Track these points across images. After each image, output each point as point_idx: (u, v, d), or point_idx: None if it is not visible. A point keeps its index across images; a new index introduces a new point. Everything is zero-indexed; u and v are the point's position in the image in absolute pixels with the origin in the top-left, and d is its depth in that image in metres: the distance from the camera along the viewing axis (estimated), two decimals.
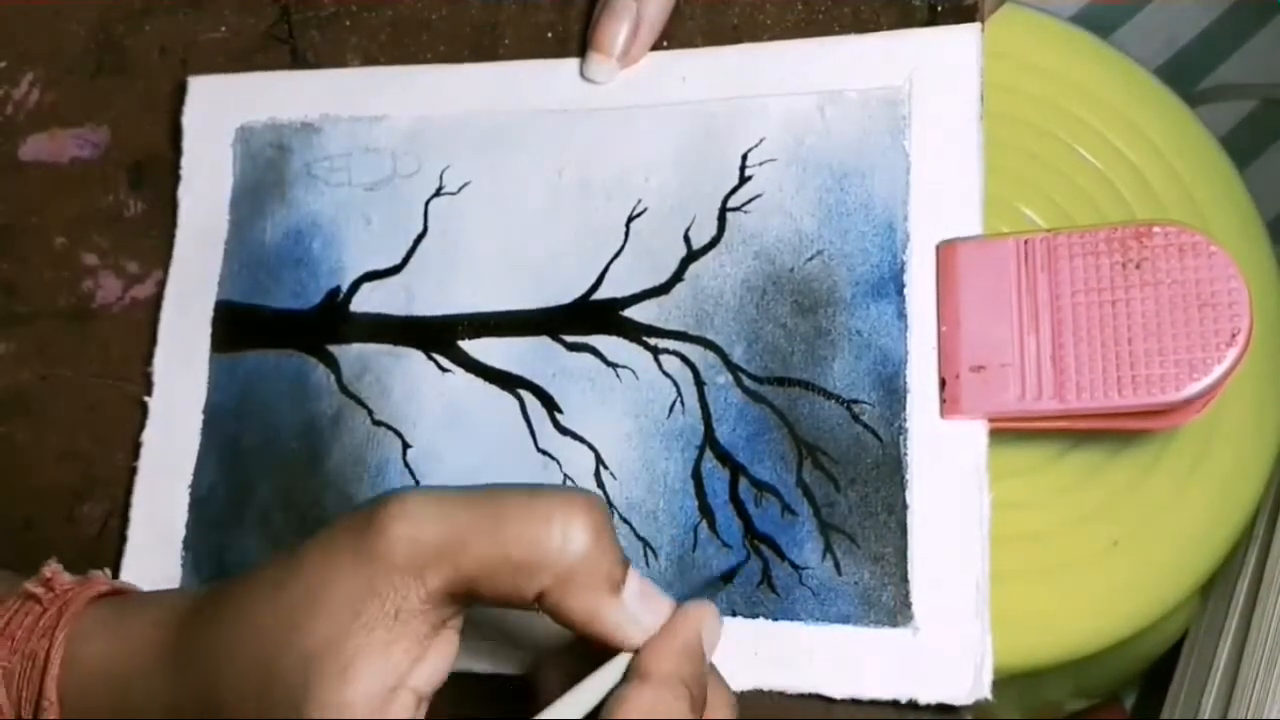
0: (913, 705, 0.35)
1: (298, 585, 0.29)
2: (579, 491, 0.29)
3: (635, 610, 0.29)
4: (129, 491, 0.43)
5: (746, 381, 0.39)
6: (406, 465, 0.41)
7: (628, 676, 0.29)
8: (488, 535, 0.28)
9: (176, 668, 0.31)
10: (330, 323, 0.43)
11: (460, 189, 0.43)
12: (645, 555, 0.38)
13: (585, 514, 0.28)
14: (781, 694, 0.36)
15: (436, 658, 0.29)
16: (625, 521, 0.39)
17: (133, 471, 0.43)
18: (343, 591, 0.28)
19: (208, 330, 0.44)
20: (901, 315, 0.38)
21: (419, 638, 0.29)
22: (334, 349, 0.43)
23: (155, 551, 0.42)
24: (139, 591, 0.35)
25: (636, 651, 0.29)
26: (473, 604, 0.29)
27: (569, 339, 0.41)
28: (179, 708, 0.30)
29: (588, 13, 0.44)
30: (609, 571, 0.29)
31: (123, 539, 0.42)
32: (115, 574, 0.42)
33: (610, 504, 0.39)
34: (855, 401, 0.38)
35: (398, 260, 0.43)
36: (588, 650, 0.30)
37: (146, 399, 0.44)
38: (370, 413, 0.42)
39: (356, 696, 0.28)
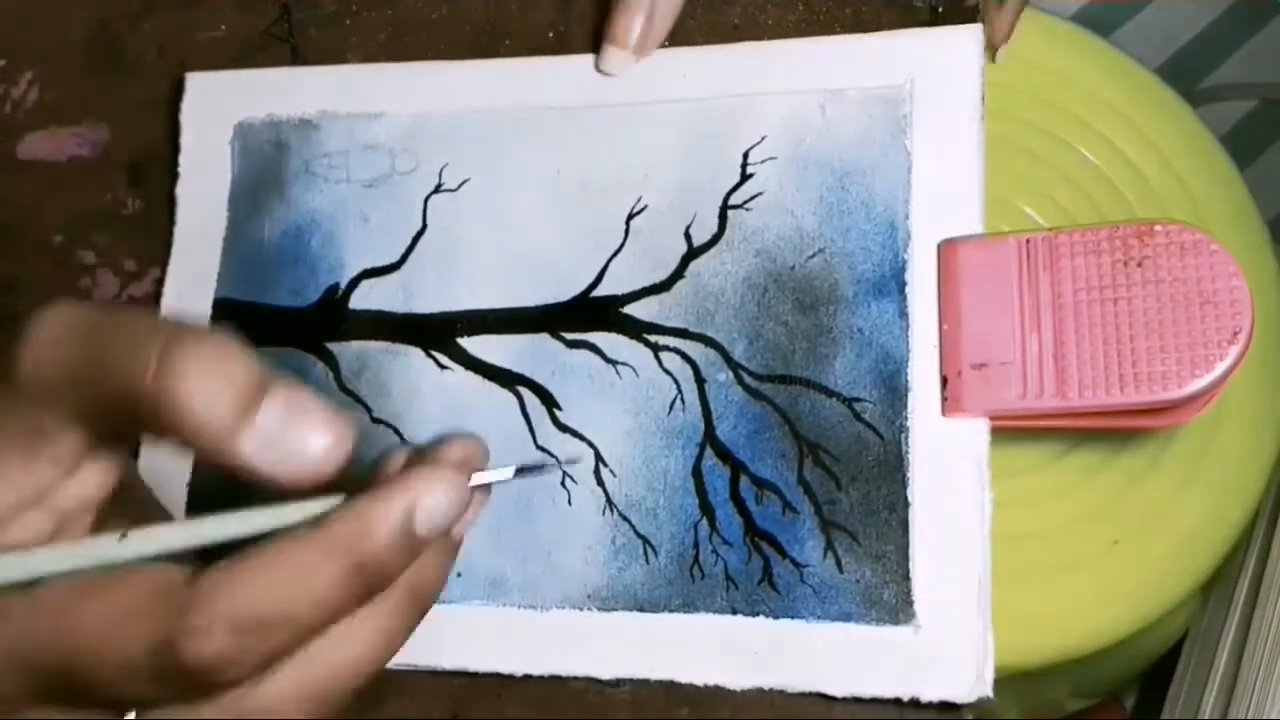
0: (914, 703, 0.35)
1: None
2: (192, 325, 0.25)
3: (276, 443, 0.24)
4: None
5: (747, 379, 0.39)
6: None
7: (311, 524, 0.25)
8: (103, 359, 0.24)
9: None
10: (329, 320, 0.43)
11: (459, 186, 0.43)
12: (645, 553, 0.38)
13: (200, 347, 0.24)
14: (783, 692, 0.36)
15: (86, 481, 0.26)
16: (625, 519, 0.38)
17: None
18: None
19: (205, 327, 0.44)
20: (903, 313, 0.38)
21: (61, 460, 0.26)
22: (332, 346, 0.43)
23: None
24: None
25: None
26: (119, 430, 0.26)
27: (568, 336, 0.41)
28: None
29: (589, 12, 0.44)
30: (230, 407, 0.24)
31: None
32: None
33: (610, 501, 0.39)
34: (856, 399, 0.38)
35: (396, 257, 0.43)
36: None
37: None
38: (369, 410, 0.42)
39: None
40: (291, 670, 0.25)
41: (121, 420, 0.25)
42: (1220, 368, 0.34)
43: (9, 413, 0.25)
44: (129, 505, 0.29)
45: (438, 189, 0.43)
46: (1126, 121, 0.55)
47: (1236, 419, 0.51)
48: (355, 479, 0.26)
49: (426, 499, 0.25)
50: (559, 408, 0.40)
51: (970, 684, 0.34)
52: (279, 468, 0.25)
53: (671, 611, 0.37)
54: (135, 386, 0.24)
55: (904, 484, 0.36)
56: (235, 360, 0.24)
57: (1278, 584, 0.50)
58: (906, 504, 0.36)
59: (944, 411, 0.37)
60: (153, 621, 0.24)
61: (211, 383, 0.24)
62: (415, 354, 0.42)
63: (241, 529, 0.26)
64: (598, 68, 0.42)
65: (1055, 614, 0.49)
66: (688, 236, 0.40)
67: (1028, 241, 0.37)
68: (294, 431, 0.25)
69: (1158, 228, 0.35)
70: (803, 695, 0.36)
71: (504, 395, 0.41)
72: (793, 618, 0.36)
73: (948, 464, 0.36)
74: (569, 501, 0.39)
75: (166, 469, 0.43)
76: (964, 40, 0.40)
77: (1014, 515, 0.49)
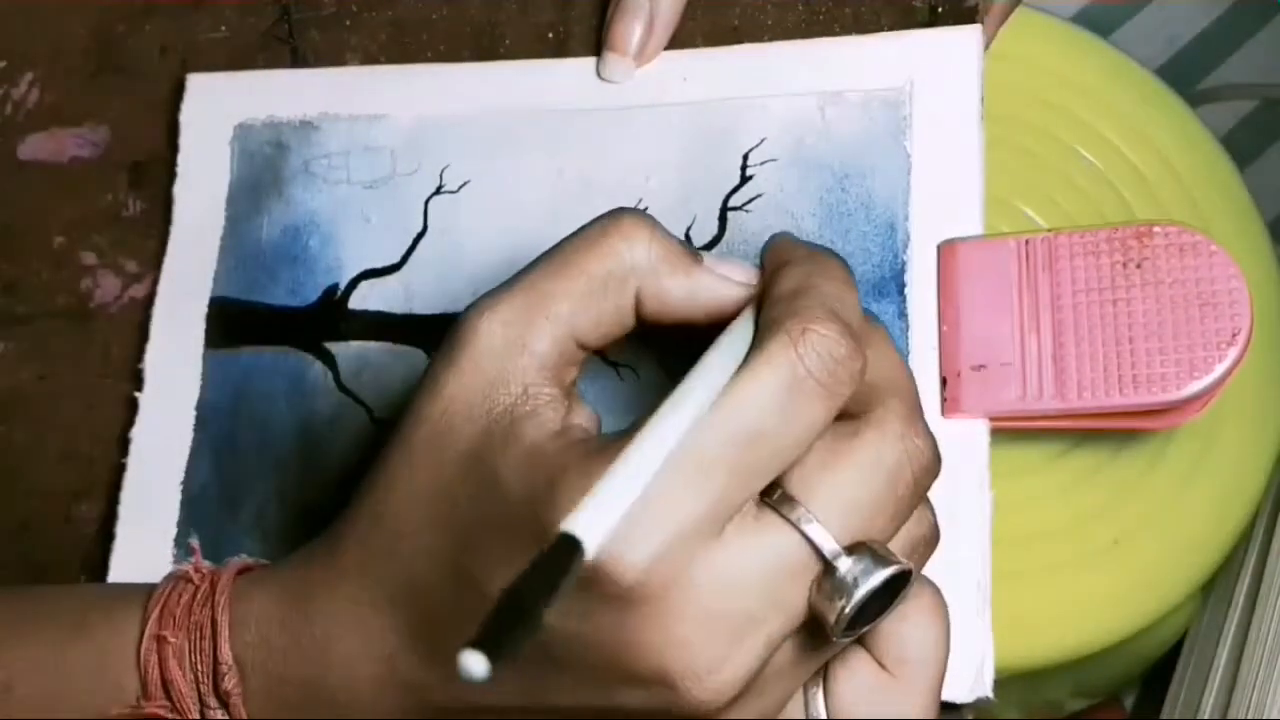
0: None
1: (424, 435, 0.29)
2: (616, 210, 0.30)
3: (723, 270, 0.30)
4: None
5: None
6: None
7: (760, 323, 0.28)
8: (564, 276, 0.29)
9: (350, 576, 0.30)
10: (328, 320, 0.43)
11: (460, 188, 0.43)
12: None
13: (633, 216, 0.30)
14: None
15: (581, 411, 0.30)
16: None
17: (123, 468, 0.43)
18: (467, 406, 0.28)
19: (202, 326, 0.44)
20: (902, 314, 0.38)
21: (555, 398, 0.29)
22: (332, 347, 0.43)
23: (145, 549, 0.42)
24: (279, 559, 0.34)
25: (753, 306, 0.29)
26: (586, 356, 0.30)
27: None
28: (366, 613, 0.30)
29: (589, 13, 0.44)
30: (681, 248, 0.30)
31: (111, 536, 0.42)
32: (104, 572, 0.41)
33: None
34: None
35: (397, 259, 0.43)
36: None
37: (137, 395, 0.43)
38: (370, 411, 0.42)
39: (532, 440, 0.27)
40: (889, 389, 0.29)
41: (602, 323, 0.30)
42: (1219, 369, 0.34)
43: (498, 382, 0.28)
44: None
45: (439, 191, 0.43)
46: (1126, 122, 0.55)
47: (1236, 419, 0.51)
48: None
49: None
50: None
51: (969, 684, 0.34)
52: (738, 289, 0.30)
53: None
54: (620, 268, 0.29)
55: None
56: (670, 239, 0.30)
57: (1278, 584, 0.50)
58: None
59: (943, 412, 0.37)
60: (773, 357, 0.26)
61: (669, 237, 0.30)
62: (416, 355, 0.42)
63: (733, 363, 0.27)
64: (599, 74, 0.42)
65: (1055, 614, 0.50)
66: (688, 238, 0.40)
67: (1027, 243, 0.37)
68: (725, 267, 0.30)
69: (1157, 229, 0.36)
70: None
71: None
72: None
73: (947, 465, 0.36)
74: None
75: (158, 465, 0.43)
76: (964, 41, 0.40)
77: (1014, 515, 0.50)
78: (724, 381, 0.26)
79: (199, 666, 0.31)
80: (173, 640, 0.31)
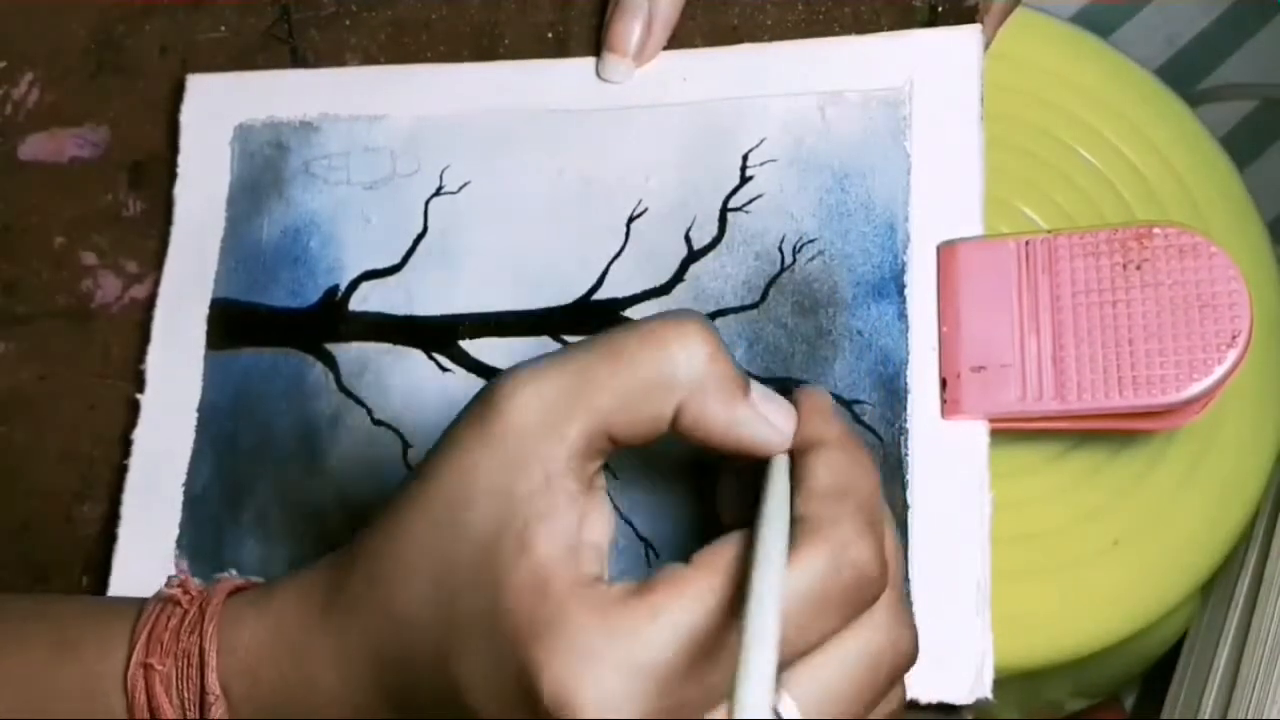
0: (913, 705, 0.35)
1: (440, 496, 0.28)
2: (683, 311, 0.30)
3: (766, 411, 0.29)
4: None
5: None
6: (407, 465, 0.41)
7: (795, 472, 0.28)
8: (612, 368, 0.28)
9: (340, 616, 0.30)
10: (328, 321, 0.43)
11: (460, 188, 0.43)
12: (647, 555, 0.38)
13: (699, 326, 0.28)
14: None
15: (598, 514, 0.29)
16: (627, 522, 0.39)
17: (124, 469, 0.43)
18: (489, 479, 0.28)
19: (203, 328, 0.44)
20: (902, 315, 0.38)
21: (574, 496, 0.28)
22: (332, 348, 0.43)
23: (147, 551, 0.42)
24: (273, 578, 0.34)
25: (787, 455, 0.29)
26: (613, 450, 0.29)
27: (569, 339, 0.41)
28: (351, 659, 0.29)
29: (588, 13, 0.44)
30: (735, 375, 0.29)
31: (113, 537, 0.42)
32: (107, 573, 0.42)
33: (612, 503, 0.39)
34: (856, 402, 0.38)
35: (397, 260, 0.43)
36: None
37: (138, 396, 0.43)
38: (370, 412, 0.42)
39: (543, 559, 0.27)
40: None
41: (637, 423, 0.29)
42: (1218, 371, 0.34)
43: (519, 465, 0.28)
44: None
45: (439, 191, 0.43)
46: (1126, 122, 0.55)
47: (1236, 420, 0.51)
48: None
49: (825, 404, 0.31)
50: None
51: (969, 685, 0.34)
52: (773, 432, 0.29)
53: None
54: (669, 375, 0.28)
55: (903, 486, 0.36)
56: (728, 362, 0.29)
57: (1278, 584, 0.50)
58: (905, 506, 0.36)
59: (943, 414, 0.37)
60: (814, 555, 0.26)
61: (727, 359, 0.29)
62: (416, 356, 0.42)
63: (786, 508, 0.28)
64: (599, 75, 0.42)
65: (1055, 615, 0.50)
66: (688, 239, 0.40)
67: (1027, 243, 0.37)
68: (771, 404, 0.30)
69: (1156, 230, 0.36)
70: None
71: None
72: None
73: (947, 466, 0.36)
74: None
75: (159, 466, 0.43)
76: (964, 40, 0.40)
77: (1014, 516, 0.50)
78: (782, 561, 0.26)
79: (186, 694, 0.31)
80: (159, 668, 0.31)
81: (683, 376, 0.28)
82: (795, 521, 0.27)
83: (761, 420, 0.29)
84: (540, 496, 0.27)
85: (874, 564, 0.27)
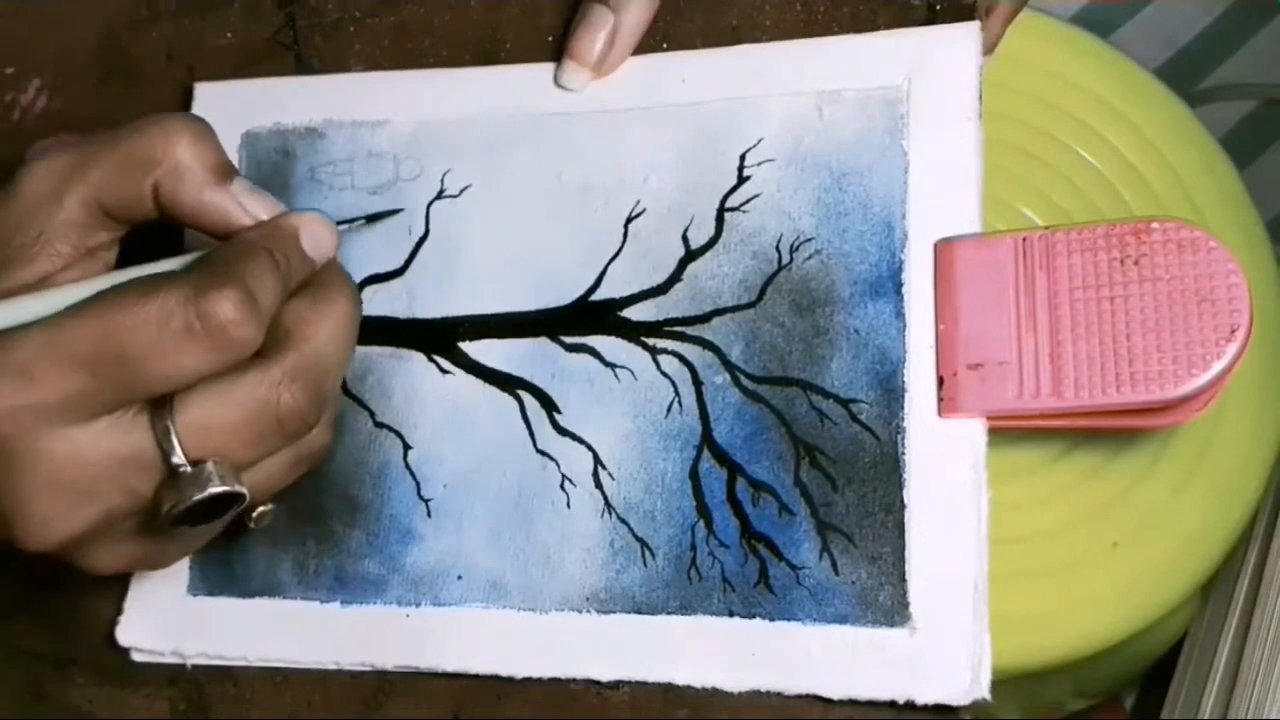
0: (910, 706, 0.35)
1: None
2: (180, 113, 0.36)
3: (242, 199, 0.35)
4: None
5: (744, 381, 0.39)
6: (407, 466, 0.41)
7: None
8: (108, 150, 0.34)
9: None
10: None
11: (461, 192, 0.43)
12: (643, 555, 0.38)
13: (183, 121, 0.35)
14: (779, 695, 0.36)
15: (79, 270, 0.34)
16: (623, 522, 0.39)
17: None
18: (3, 233, 0.34)
19: None
20: (899, 314, 0.38)
21: (64, 255, 0.34)
22: None
23: None
24: None
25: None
26: (113, 227, 0.35)
27: (568, 340, 0.41)
28: None
29: None
30: (212, 166, 0.35)
31: None
32: (112, 576, 0.42)
33: (609, 504, 0.39)
34: (853, 400, 0.38)
35: (400, 263, 0.43)
36: None
37: None
38: (372, 415, 0.42)
39: (9, 288, 0.33)
40: (289, 346, 0.34)
41: (122, 198, 0.34)
42: (1218, 366, 0.34)
43: (17, 224, 0.34)
44: None
45: (440, 195, 0.43)
46: (1126, 122, 0.54)
47: (1236, 419, 0.51)
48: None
49: (309, 228, 0.36)
50: (559, 411, 0.40)
51: (966, 686, 0.34)
52: (242, 214, 0.35)
53: (669, 614, 0.38)
54: (146, 156, 0.34)
55: (900, 485, 0.36)
56: (218, 144, 0.36)
57: (1278, 584, 0.50)
58: (903, 505, 0.36)
59: (940, 412, 0.37)
60: (170, 289, 0.31)
61: (207, 151, 0.35)
62: (417, 358, 0.42)
63: (187, 261, 0.34)
64: (556, 81, 0.43)
65: (1055, 615, 0.49)
66: (685, 239, 0.40)
67: (1024, 240, 0.37)
68: (253, 198, 0.35)
69: (1155, 225, 0.35)
70: (799, 697, 0.36)
71: (504, 399, 0.41)
72: (789, 620, 0.36)
73: (944, 465, 0.36)
74: (568, 504, 0.39)
75: None
76: (961, 39, 0.39)
77: (1013, 516, 0.49)
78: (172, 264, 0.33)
79: None
80: None
81: (159, 157, 0.34)
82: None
83: (235, 206, 0.35)
84: (28, 247, 0.34)
85: (233, 311, 0.31)
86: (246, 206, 0.35)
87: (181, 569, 0.42)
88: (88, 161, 0.34)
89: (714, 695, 0.37)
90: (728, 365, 0.39)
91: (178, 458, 0.32)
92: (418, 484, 0.41)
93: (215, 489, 0.32)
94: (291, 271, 0.34)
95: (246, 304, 0.31)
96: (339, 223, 0.38)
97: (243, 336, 0.31)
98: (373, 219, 0.42)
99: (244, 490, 0.33)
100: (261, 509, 0.37)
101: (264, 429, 0.33)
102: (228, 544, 0.42)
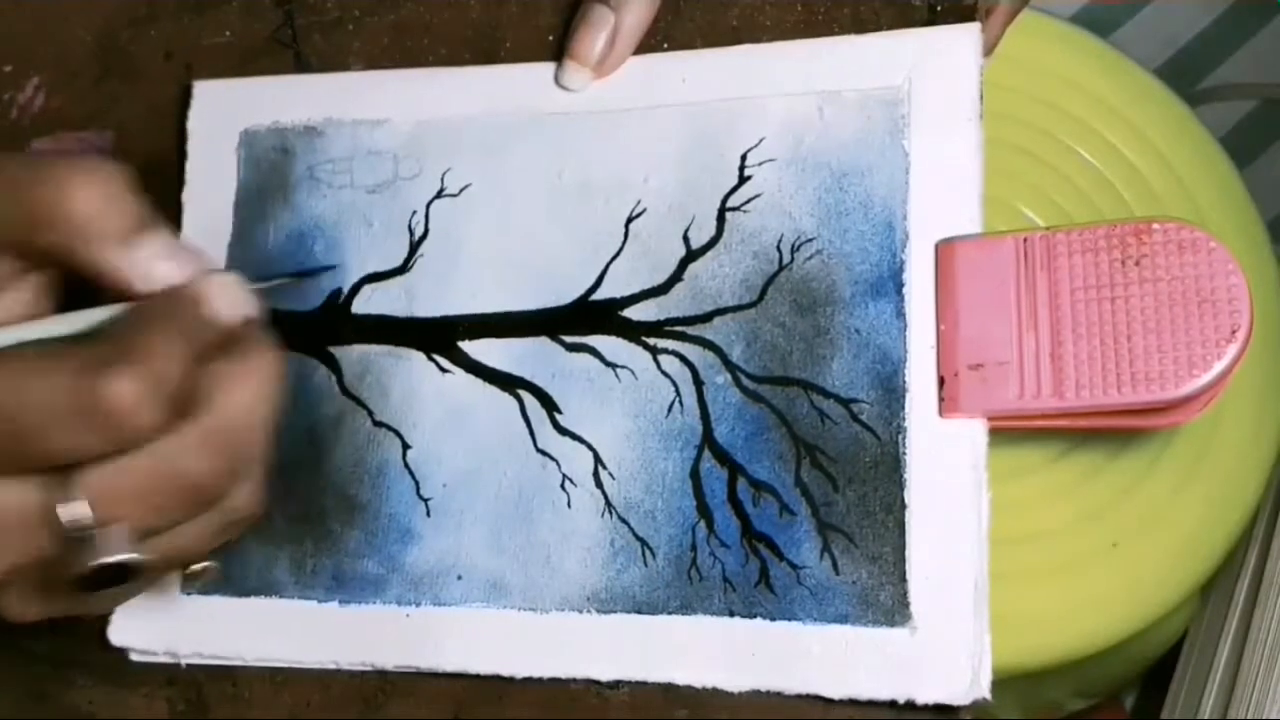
0: (910, 706, 0.35)
1: None
2: (93, 160, 0.32)
3: (150, 265, 0.32)
4: None
5: (745, 381, 0.39)
6: (406, 466, 0.41)
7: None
8: (9, 197, 0.31)
9: None
10: (332, 324, 0.43)
11: (461, 191, 0.43)
12: (643, 555, 0.38)
13: (91, 175, 0.31)
14: (780, 695, 0.36)
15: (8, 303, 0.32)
16: (624, 521, 0.39)
17: None
18: None
19: None
20: (900, 314, 0.38)
21: None
22: (335, 350, 0.43)
23: None
24: None
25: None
26: (21, 268, 0.32)
27: (568, 339, 0.41)
28: None
29: None
30: (116, 227, 0.31)
31: None
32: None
33: (609, 504, 0.39)
34: (854, 400, 0.38)
35: (399, 262, 0.43)
36: None
37: None
38: (371, 414, 0.42)
39: None
40: (196, 418, 0.31)
41: (22, 250, 0.32)
42: (1218, 367, 0.34)
43: None
44: None
45: (440, 194, 0.43)
46: (1126, 122, 0.54)
47: (1236, 419, 0.51)
48: None
49: (222, 290, 0.33)
50: (559, 411, 0.40)
51: (966, 686, 0.34)
52: (143, 281, 0.32)
53: (670, 613, 0.38)
54: (45, 212, 0.31)
55: (901, 485, 0.36)
56: (128, 198, 0.32)
57: (1278, 584, 0.50)
58: (903, 505, 0.36)
59: (941, 412, 0.37)
60: (71, 369, 0.29)
61: (112, 207, 0.31)
62: (417, 357, 0.42)
63: (92, 319, 0.32)
64: (557, 81, 0.43)
65: (1055, 615, 0.49)
66: (686, 239, 0.40)
67: (1025, 240, 0.37)
68: (168, 260, 0.32)
69: (1155, 226, 0.35)
70: (799, 697, 0.36)
71: (504, 398, 0.41)
72: (790, 620, 0.36)
73: (945, 465, 0.36)
74: (568, 504, 0.39)
75: None
76: (962, 39, 0.39)
77: (1013, 516, 0.49)
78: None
79: None
80: None
81: (60, 216, 0.31)
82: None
83: (133, 271, 0.32)
84: None
85: (132, 398, 0.29)
86: (152, 271, 0.32)
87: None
88: None
89: (714, 695, 0.37)
90: (729, 365, 0.39)
91: (72, 523, 0.30)
92: (417, 483, 0.41)
93: (110, 558, 0.30)
94: (200, 340, 0.32)
95: (146, 385, 0.29)
96: (260, 280, 0.36)
97: (141, 422, 0.29)
98: (300, 275, 0.40)
99: (142, 559, 0.31)
100: (197, 567, 0.35)
101: (172, 497, 0.31)
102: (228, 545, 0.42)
